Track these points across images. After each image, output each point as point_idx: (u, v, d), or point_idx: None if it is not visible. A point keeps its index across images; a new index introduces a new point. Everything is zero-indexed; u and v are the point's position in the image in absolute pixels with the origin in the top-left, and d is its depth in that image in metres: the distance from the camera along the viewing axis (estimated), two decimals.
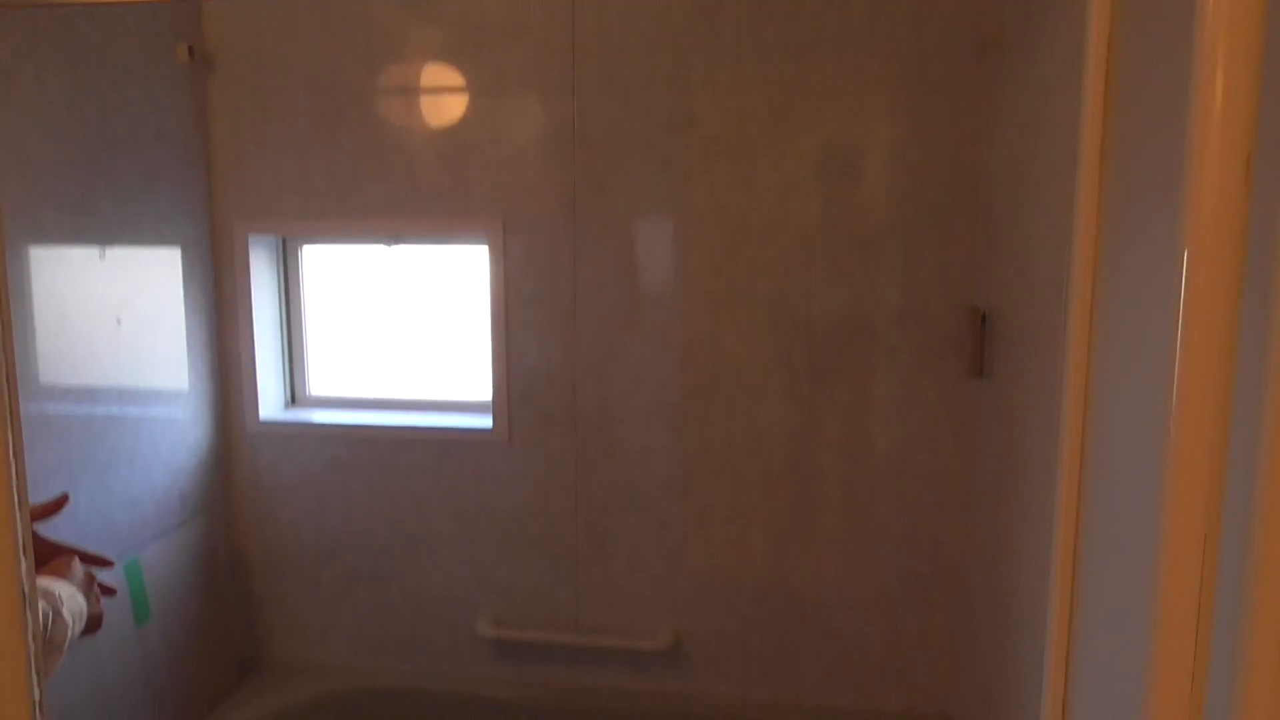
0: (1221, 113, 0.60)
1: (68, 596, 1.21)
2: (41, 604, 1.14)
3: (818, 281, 2.34)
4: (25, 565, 0.59)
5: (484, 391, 2.58)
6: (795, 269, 2.35)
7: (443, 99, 2.44)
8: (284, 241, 2.68)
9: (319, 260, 2.72)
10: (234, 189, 2.54)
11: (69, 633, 1.19)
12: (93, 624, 1.30)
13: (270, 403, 2.67)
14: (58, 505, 1.33)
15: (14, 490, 0.58)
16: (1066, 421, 1.21)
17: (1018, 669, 1.78)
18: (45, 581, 1.21)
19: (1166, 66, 0.95)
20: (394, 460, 2.59)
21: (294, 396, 2.76)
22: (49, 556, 1.30)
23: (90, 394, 2.16)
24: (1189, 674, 0.73)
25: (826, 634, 2.49)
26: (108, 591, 1.36)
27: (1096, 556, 1.16)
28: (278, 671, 2.70)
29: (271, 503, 2.67)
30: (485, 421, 2.56)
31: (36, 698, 0.60)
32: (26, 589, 0.59)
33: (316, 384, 2.76)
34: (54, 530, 1.90)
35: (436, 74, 2.43)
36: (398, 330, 2.71)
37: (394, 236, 2.59)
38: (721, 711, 2.51)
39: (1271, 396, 0.70)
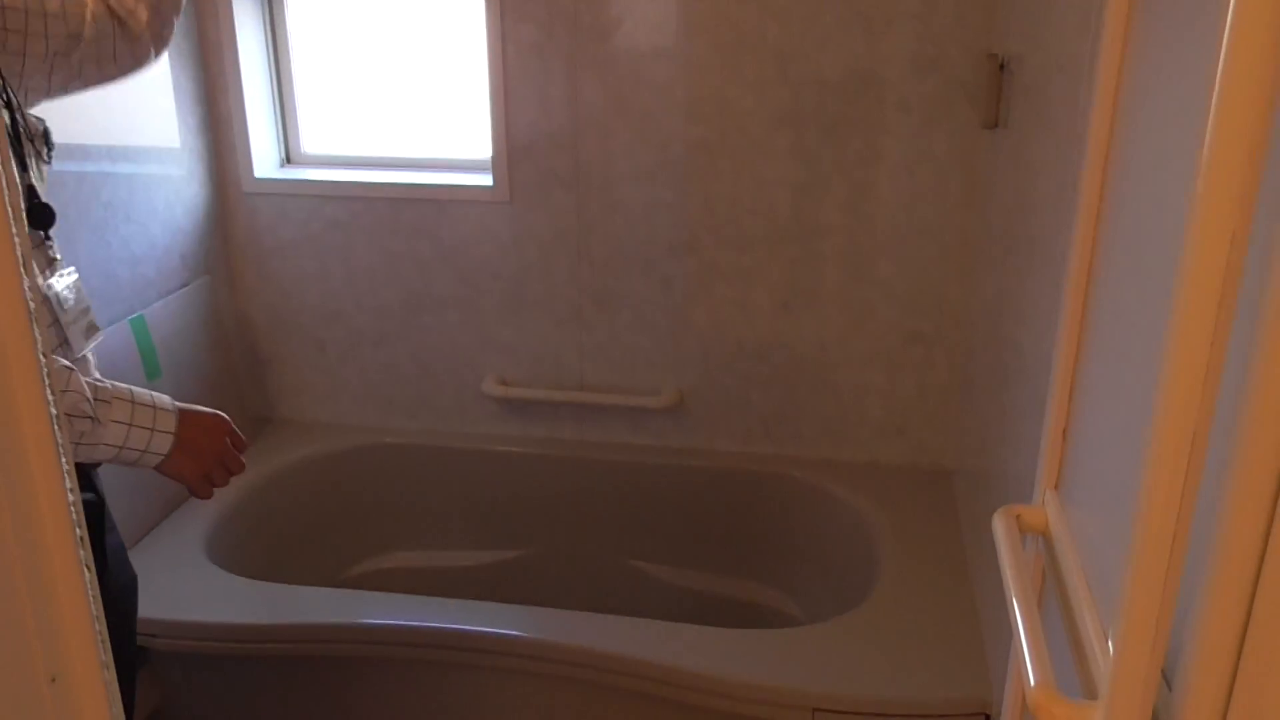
0: None
1: None
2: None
3: (829, 28, 2.22)
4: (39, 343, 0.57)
5: (484, 149, 2.50)
6: (806, 14, 2.22)
7: None
8: None
9: (306, 7, 2.57)
10: None
11: None
12: None
13: (265, 161, 2.60)
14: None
15: (16, 250, 0.55)
16: (1086, 174, 1.16)
17: (1014, 420, 1.80)
18: None
19: None
20: (394, 220, 2.55)
21: (289, 155, 2.68)
22: None
23: (81, 150, 2.10)
24: (1190, 435, 0.72)
25: (827, 390, 2.52)
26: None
27: (1110, 294, 1.14)
28: (290, 429, 2.76)
29: (273, 263, 2.65)
30: (486, 180, 2.50)
31: (65, 467, 0.59)
32: (42, 362, 0.57)
33: (311, 142, 2.68)
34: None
35: None
36: (393, 85, 2.61)
37: None
38: (724, 465, 2.58)
39: None
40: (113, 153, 2.19)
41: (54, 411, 0.55)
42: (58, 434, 0.56)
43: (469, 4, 2.44)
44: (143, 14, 1.46)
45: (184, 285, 2.44)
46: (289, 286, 2.66)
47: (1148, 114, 1.03)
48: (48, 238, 1.30)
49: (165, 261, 2.38)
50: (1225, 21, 0.62)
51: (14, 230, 0.52)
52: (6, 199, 0.51)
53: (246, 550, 2.39)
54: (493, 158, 2.46)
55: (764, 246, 2.41)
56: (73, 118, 2.05)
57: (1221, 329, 0.66)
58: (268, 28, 2.56)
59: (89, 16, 1.39)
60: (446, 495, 2.71)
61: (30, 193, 1.23)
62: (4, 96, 1.20)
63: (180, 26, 2.35)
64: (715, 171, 2.37)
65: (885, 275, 2.39)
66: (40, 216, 1.24)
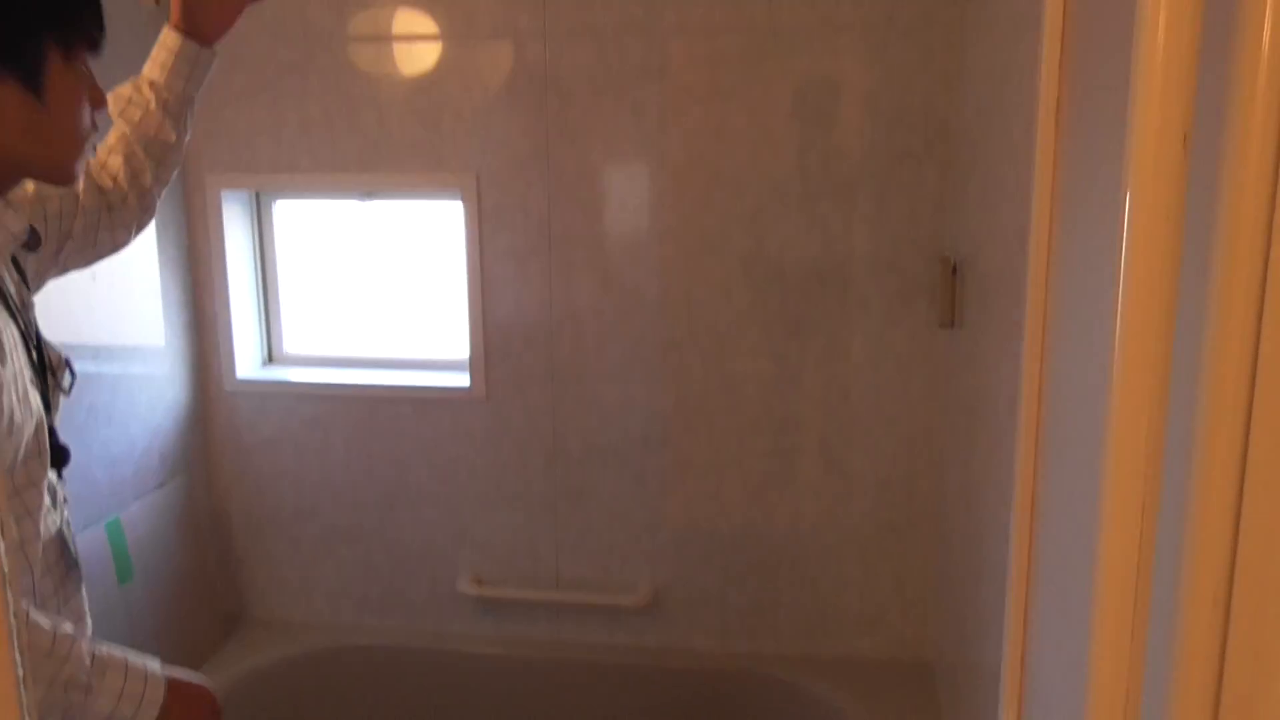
0: (1161, 96, 0.60)
1: None
2: None
3: (791, 231, 2.34)
4: (2, 545, 0.59)
5: (461, 349, 2.57)
6: (768, 218, 2.34)
7: (414, 47, 2.41)
8: (257, 197, 2.66)
9: (292, 216, 2.70)
10: (205, 142, 2.51)
11: None
12: None
13: (247, 360, 2.66)
14: None
15: None
16: (1024, 372, 1.21)
17: (986, 616, 1.80)
18: None
19: (1120, 20, 0.94)
20: (372, 418, 2.59)
21: (271, 354, 2.75)
22: None
23: (66, 351, 2.14)
24: (1129, 624, 0.74)
25: (804, 584, 2.51)
26: None
27: (1053, 507, 1.17)
28: (261, 628, 2.72)
29: (251, 461, 2.67)
30: (462, 379, 2.56)
31: (19, 674, 0.61)
32: (6, 568, 0.59)
33: (293, 342, 2.76)
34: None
35: (407, 20, 2.40)
36: (373, 287, 2.70)
37: (367, 191, 2.57)
38: (702, 666, 2.54)
39: (1208, 351, 0.70)
40: (98, 353, 2.25)
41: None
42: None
43: (449, 212, 2.56)
44: (132, 199, 1.45)
45: (161, 485, 2.45)
46: (265, 484, 2.68)
47: (1074, 320, 1.09)
48: (60, 476, 1.28)
49: (144, 462, 2.40)
50: (1121, 255, 0.67)
51: None
52: None
53: None
54: (470, 357, 2.52)
55: (736, 440, 2.45)
56: (61, 318, 2.11)
57: (1145, 562, 0.69)
58: (255, 231, 2.67)
59: (79, 209, 1.37)
60: (421, 699, 2.64)
61: (52, 433, 1.20)
62: (28, 332, 1.17)
63: (171, 232, 2.46)
64: (686, 368, 2.44)
65: (857, 467, 2.43)
66: (60, 458, 1.23)
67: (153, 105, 1.44)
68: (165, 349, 2.49)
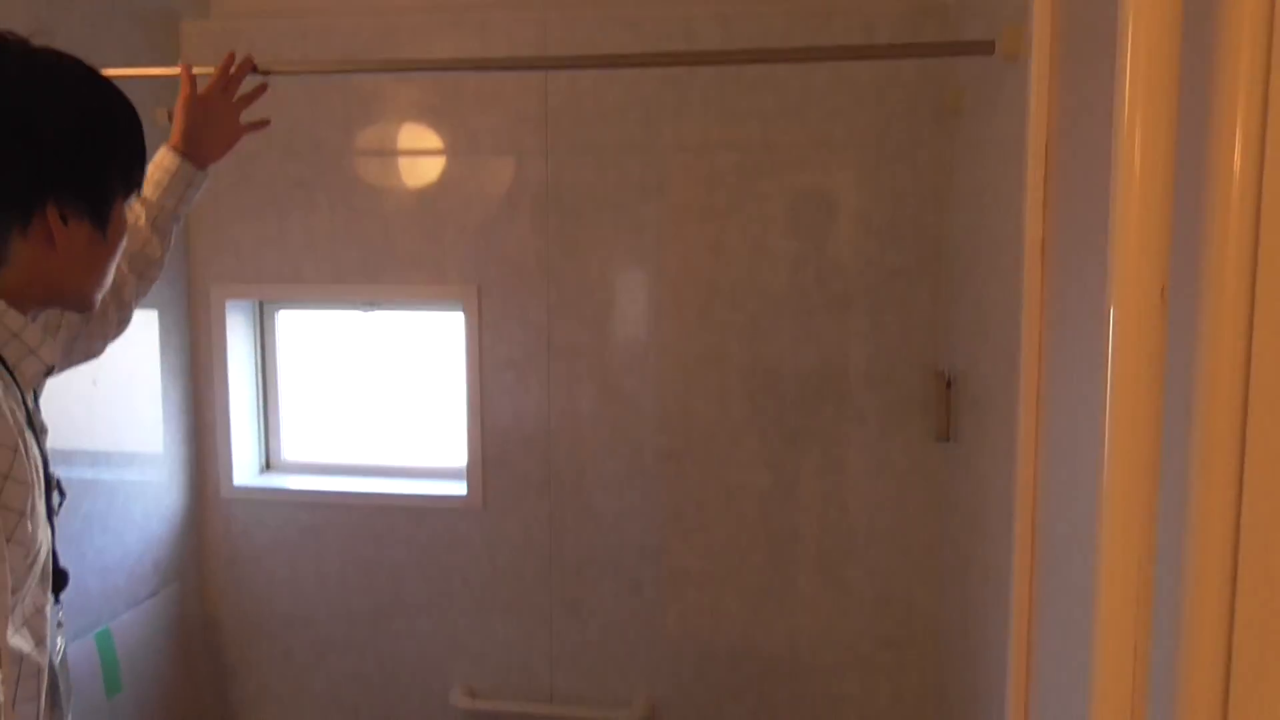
0: (1138, 252, 0.63)
1: None
2: None
3: (787, 343, 2.37)
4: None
5: (459, 456, 2.58)
6: (765, 331, 2.37)
7: (418, 164, 2.47)
8: (260, 305, 2.70)
9: (295, 324, 2.73)
10: (212, 252, 2.56)
11: None
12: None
13: (245, 467, 2.66)
14: (189, 84, 1.57)
15: None
16: (1018, 492, 1.22)
17: None
18: None
19: (1099, 163, 0.98)
20: (368, 527, 2.59)
21: (269, 461, 2.75)
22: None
23: (65, 457, 2.16)
24: None
25: (802, 699, 2.47)
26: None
27: (1049, 627, 1.17)
28: None
29: (245, 569, 2.65)
30: (460, 488, 2.56)
31: None
32: None
33: (291, 449, 2.76)
34: None
35: (412, 136, 2.47)
36: (373, 395, 2.72)
37: (370, 302, 2.61)
38: None
39: (1193, 489, 0.72)
40: (96, 459, 2.25)
41: None
42: None
43: (450, 322, 2.60)
44: (112, 311, 1.46)
45: (154, 594, 2.43)
46: (259, 592, 2.65)
47: (1065, 443, 1.11)
48: (58, 600, 1.26)
49: (137, 570, 2.38)
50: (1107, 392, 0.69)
51: None
52: None
53: None
54: (467, 466, 2.53)
55: (733, 551, 2.44)
56: (61, 424, 2.12)
57: (1140, 673, 0.70)
58: (258, 340, 2.70)
59: (64, 321, 1.38)
60: None
61: (53, 556, 1.20)
62: (45, 456, 1.18)
63: (174, 340, 2.49)
64: (684, 479, 2.44)
65: (854, 581, 2.41)
66: (60, 582, 1.22)
67: (141, 221, 1.48)
68: (163, 455, 2.49)
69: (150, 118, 2.41)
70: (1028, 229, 1.10)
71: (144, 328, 2.42)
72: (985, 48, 1.54)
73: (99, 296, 1.15)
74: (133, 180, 1.14)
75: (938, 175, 2.27)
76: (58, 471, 1.30)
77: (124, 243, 1.16)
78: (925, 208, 2.29)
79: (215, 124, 1.57)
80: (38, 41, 1.06)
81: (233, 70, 1.61)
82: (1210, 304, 0.64)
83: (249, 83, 1.67)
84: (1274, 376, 0.65)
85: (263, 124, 1.66)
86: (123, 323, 1.50)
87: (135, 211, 1.49)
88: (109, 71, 1.49)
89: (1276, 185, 0.65)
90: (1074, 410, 1.07)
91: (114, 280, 1.45)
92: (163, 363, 2.48)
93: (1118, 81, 0.65)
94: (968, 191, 2.02)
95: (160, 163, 1.51)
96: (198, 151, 1.53)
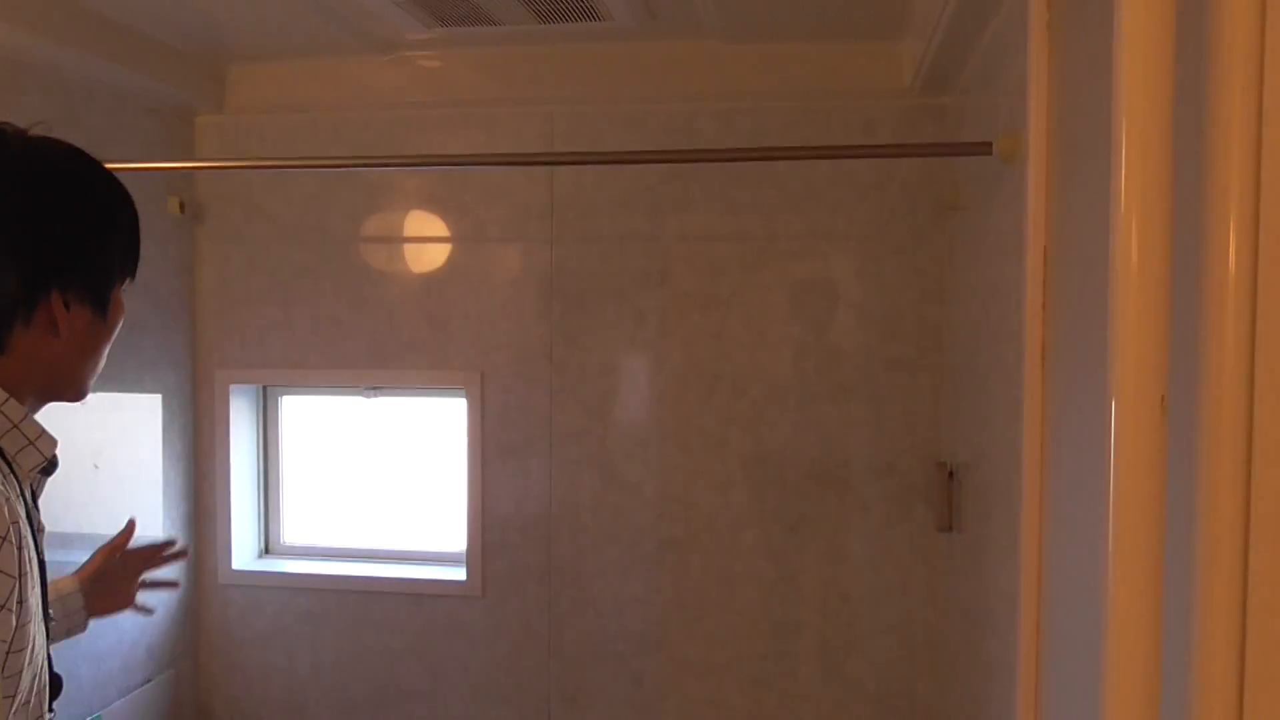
0: (1136, 362, 0.65)
1: None
2: None
3: (789, 432, 2.38)
4: None
5: (459, 541, 2.57)
6: (767, 420, 2.38)
7: (424, 251, 2.51)
8: (264, 390, 2.71)
9: (298, 409, 2.74)
10: (217, 338, 2.59)
11: None
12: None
13: (244, 551, 2.65)
14: (128, 534, 1.50)
15: None
16: (1022, 585, 1.22)
17: None
18: None
19: (1096, 269, 1.00)
20: (367, 612, 2.57)
21: (268, 545, 2.74)
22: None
23: (63, 540, 2.15)
24: None
25: None
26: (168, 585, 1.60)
27: (1057, 714, 1.16)
28: None
29: (240, 655, 2.62)
30: (459, 574, 2.54)
31: None
32: None
33: (291, 532, 2.75)
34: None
35: (418, 226, 2.51)
36: (374, 480, 2.72)
37: (373, 388, 2.63)
38: None
39: (1197, 594, 0.72)
40: (96, 543, 2.22)
41: None
42: None
43: (452, 409, 2.61)
44: None
45: (147, 681, 2.40)
46: (254, 679, 2.62)
47: (1068, 539, 1.11)
48: (52, 708, 1.22)
49: (131, 656, 2.36)
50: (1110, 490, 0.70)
51: None
52: None
53: None
54: (467, 552, 2.52)
55: (734, 641, 2.42)
56: (62, 508, 2.12)
57: None
58: (261, 425, 2.71)
59: None
60: None
61: (49, 660, 1.17)
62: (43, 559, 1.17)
63: (178, 425, 2.50)
64: (685, 568, 2.43)
65: (856, 673, 2.39)
66: (55, 689, 1.19)
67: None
68: (164, 541, 2.48)
69: (162, 208, 2.46)
70: (1028, 331, 1.12)
71: (148, 411, 2.43)
72: (983, 148, 1.58)
73: (92, 383, 1.17)
74: (131, 262, 1.17)
75: (937, 268, 2.31)
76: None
77: (120, 325, 1.18)
78: (925, 300, 2.32)
79: (121, 581, 1.51)
80: (36, 132, 1.09)
81: (164, 554, 1.55)
82: (1209, 412, 0.66)
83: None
84: (1276, 486, 0.67)
85: (148, 611, 1.59)
86: None
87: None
88: (123, 166, 1.51)
89: (1271, 280, 0.67)
90: (1077, 505, 1.08)
91: None
92: (165, 447, 2.48)
93: (1113, 186, 0.67)
94: (967, 285, 2.05)
95: (59, 584, 1.43)
96: (90, 599, 1.46)
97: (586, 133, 2.42)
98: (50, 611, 1.32)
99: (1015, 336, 1.55)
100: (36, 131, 1.10)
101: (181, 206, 2.49)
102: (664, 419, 2.43)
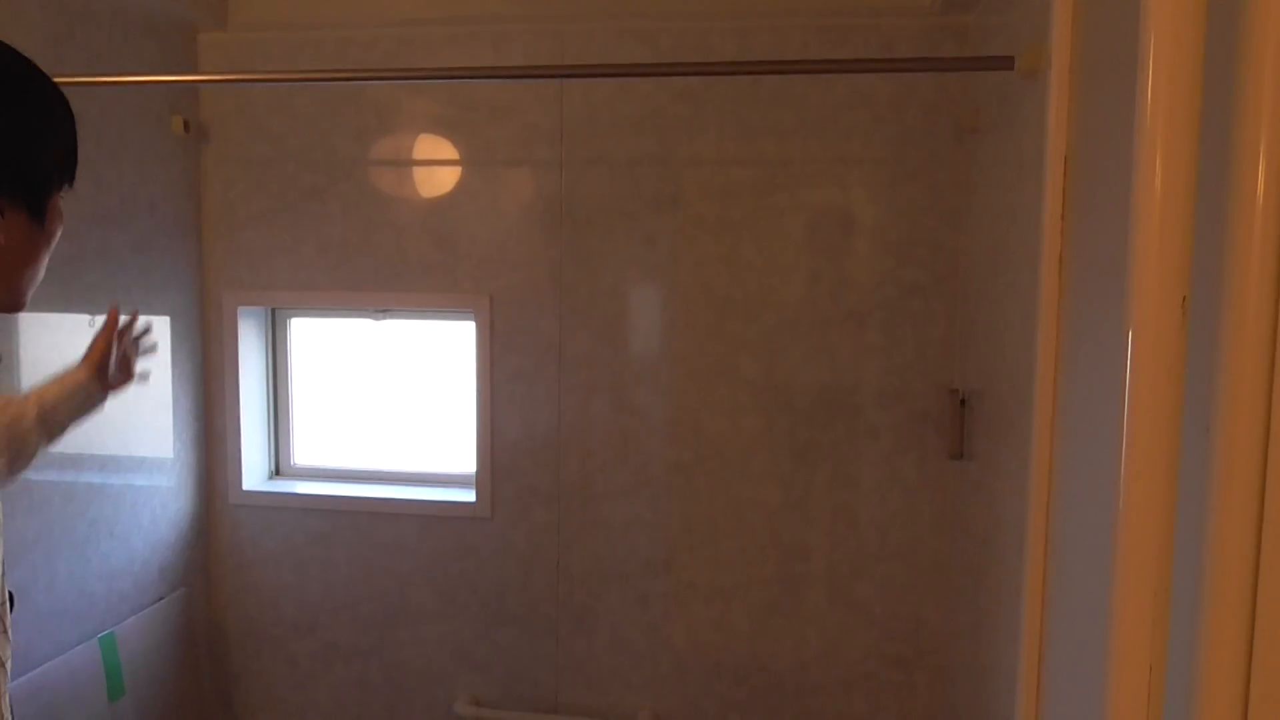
0: (1159, 259, 0.62)
1: None
2: None
3: (800, 359, 2.36)
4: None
5: (468, 464, 2.58)
6: (778, 346, 2.36)
7: (433, 174, 2.48)
8: (272, 312, 2.70)
9: (307, 332, 2.73)
10: (224, 260, 2.57)
11: None
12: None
13: (254, 473, 2.66)
14: (114, 317, 1.66)
15: None
16: (1031, 512, 1.21)
17: None
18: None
19: (1118, 177, 0.97)
20: (376, 533, 2.58)
21: (278, 467, 2.75)
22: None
23: (74, 461, 2.16)
24: None
25: (808, 716, 2.45)
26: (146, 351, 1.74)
27: (1060, 653, 1.16)
28: None
29: (252, 575, 2.65)
30: (468, 495, 2.55)
31: None
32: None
33: (301, 455, 2.76)
34: (26, 598, 1.89)
35: (427, 147, 2.47)
36: (383, 403, 2.72)
37: (382, 310, 2.61)
38: None
39: (1213, 508, 0.71)
40: (105, 464, 2.25)
41: None
42: None
43: (463, 330, 2.59)
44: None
45: (159, 599, 2.43)
46: (266, 599, 2.65)
47: (1080, 460, 1.10)
48: (6, 627, 1.25)
49: (143, 575, 2.38)
50: (1125, 402, 0.68)
51: None
52: None
53: None
54: (476, 474, 2.52)
55: (742, 565, 2.43)
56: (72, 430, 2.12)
57: (1155, 701, 0.69)
58: (269, 347, 2.70)
59: None
60: None
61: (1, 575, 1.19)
62: None
63: (186, 346, 2.49)
64: (693, 492, 2.43)
65: (863, 597, 2.40)
66: (9, 605, 1.21)
67: (31, 416, 1.52)
68: (173, 461, 2.49)
69: (165, 127, 2.43)
70: (1045, 243, 1.09)
71: (156, 333, 2.42)
72: (1005, 63, 1.54)
73: (30, 294, 1.15)
74: (69, 168, 1.13)
75: (955, 192, 2.27)
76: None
77: (59, 234, 1.15)
78: (942, 224, 2.28)
79: (121, 360, 1.68)
80: None
81: (142, 337, 1.73)
82: (1232, 315, 0.63)
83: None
84: None
85: (145, 378, 1.77)
86: None
87: (28, 406, 1.53)
88: (123, 79, 1.49)
89: None
90: (1089, 426, 1.06)
91: None
92: (174, 368, 2.48)
93: (1139, 92, 0.64)
94: (985, 209, 2.01)
95: (72, 374, 1.61)
96: (104, 377, 1.64)
97: (598, 51, 2.36)
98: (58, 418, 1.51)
99: (1032, 259, 1.52)
100: None
101: (186, 126, 2.46)
102: (674, 344, 2.41)
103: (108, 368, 1.63)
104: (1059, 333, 1.11)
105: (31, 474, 2.02)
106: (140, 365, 1.73)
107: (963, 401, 2.10)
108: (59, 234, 1.15)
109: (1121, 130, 0.96)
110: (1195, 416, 0.67)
